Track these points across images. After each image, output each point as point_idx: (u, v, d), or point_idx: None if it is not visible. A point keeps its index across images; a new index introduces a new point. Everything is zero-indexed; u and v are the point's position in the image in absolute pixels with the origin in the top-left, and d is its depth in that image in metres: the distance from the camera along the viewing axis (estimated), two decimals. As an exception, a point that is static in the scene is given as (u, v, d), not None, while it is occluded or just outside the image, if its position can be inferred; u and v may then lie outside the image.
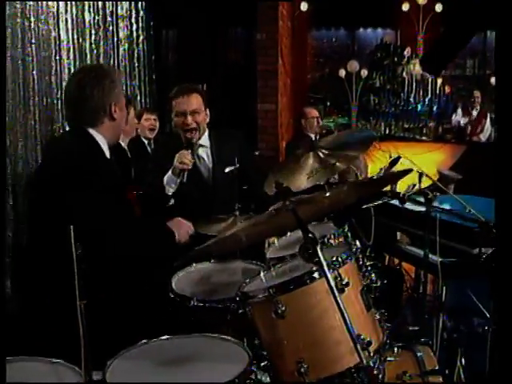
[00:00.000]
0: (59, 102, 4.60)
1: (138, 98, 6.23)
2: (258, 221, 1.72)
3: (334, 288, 1.77)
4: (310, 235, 1.59)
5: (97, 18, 5.25)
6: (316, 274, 1.86)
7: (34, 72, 4.29)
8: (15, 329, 3.18)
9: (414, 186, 6.22)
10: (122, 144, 4.42)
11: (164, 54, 7.89)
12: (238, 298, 2.05)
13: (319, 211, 1.73)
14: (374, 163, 8.19)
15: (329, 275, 1.65)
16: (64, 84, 4.69)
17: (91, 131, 2.44)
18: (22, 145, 4.17)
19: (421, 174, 5.92)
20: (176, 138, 3.41)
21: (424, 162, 7.75)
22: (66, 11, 4.74)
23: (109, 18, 5.51)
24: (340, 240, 2.47)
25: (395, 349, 2.26)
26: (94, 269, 2.21)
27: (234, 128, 3.72)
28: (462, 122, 8.55)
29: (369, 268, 2.24)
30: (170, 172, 3.13)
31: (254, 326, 2.01)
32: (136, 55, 6.09)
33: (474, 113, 8.51)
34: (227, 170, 3.25)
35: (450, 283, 3.40)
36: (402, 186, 6.88)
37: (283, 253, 2.56)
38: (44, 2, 4.42)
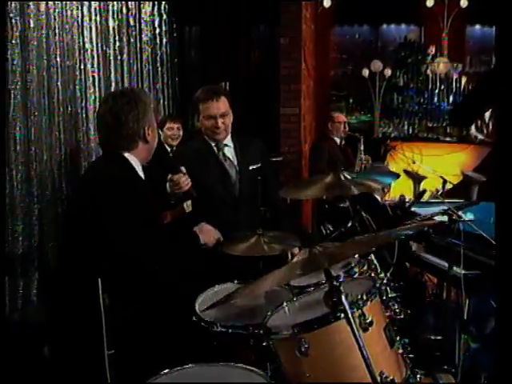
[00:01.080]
0: (83, 111, 4.63)
1: (161, 101, 6.25)
2: (285, 274, 1.70)
3: (357, 328, 1.78)
4: (335, 283, 1.59)
5: (120, 24, 5.26)
6: (340, 313, 1.87)
7: (59, 83, 4.31)
8: (40, 343, 3.25)
9: (438, 191, 6.19)
10: None
11: (187, 52, 7.87)
12: (261, 332, 2.07)
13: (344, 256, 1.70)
14: (397, 164, 8.17)
15: (352, 321, 1.64)
16: (88, 92, 4.74)
17: (126, 155, 2.51)
18: (48, 155, 4.21)
19: (445, 180, 5.90)
20: (197, 137, 3.57)
21: (448, 163, 7.72)
22: (90, 19, 4.76)
23: (132, 23, 5.52)
24: (364, 268, 2.48)
25: (417, 376, 2.26)
26: (119, 292, 2.27)
27: (256, 130, 3.89)
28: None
29: (392, 298, 2.26)
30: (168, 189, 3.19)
31: (277, 358, 2.03)
32: (159, 59, 6.10)
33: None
34: (251, 167, 3.49)
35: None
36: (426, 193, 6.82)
37: (307, 281, 2.56)
38: (69, 12, 4.44)
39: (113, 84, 5.13)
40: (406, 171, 8.17)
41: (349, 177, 2.65)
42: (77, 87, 4.58)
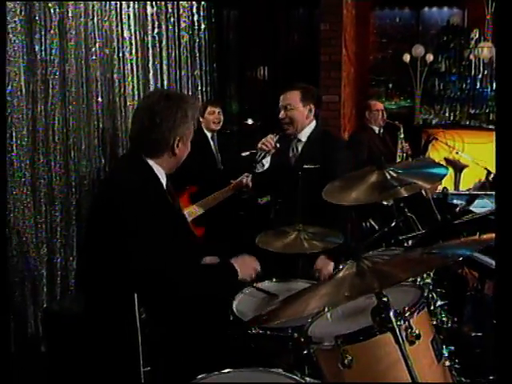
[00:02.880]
0: (122, 98, 4.61)
1: (199, 87, 6.17)
2: (331, 296, 1.60)
3: (404, 342, 1.70)
4: (384, 299, 1.51)
5: (158, 10, 5.20)
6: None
7: (98, 71, 4.28)
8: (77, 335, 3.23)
9: (481, 182, 6.01)
10: None
11: (225, 37, 7.78)
12: (301, 339, 2.00)
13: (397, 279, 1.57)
14: (438, 152, 7.99)
15: (400, 336, 1.56)
16: (126, 81, 4.70)
17: (149, 162, 2.38)
18: (86, 144, 4.19)
19: (489, 172, 5.71)
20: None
21: (491, 151, 7.50)
22: (129, 7, 4.71)
23: (170, 10, 5.44)
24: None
25: (463, 385, 2.18)
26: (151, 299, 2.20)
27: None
28: None
29: (439, 307, 2.17)
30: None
31: (318, 368, 1.96)
32: (197, 45, 6.02)
33: None
34: (305, 166, 3.43)
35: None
36: (467, 183, 6.66)
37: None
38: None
39: (151, 71, 5.08)
40: (446, 159, 8.00)
41: (395, 174, 2.54)
42: (115, 75, 4.55)
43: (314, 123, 3.65)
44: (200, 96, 6.17)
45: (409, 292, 1.98)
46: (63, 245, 3.97)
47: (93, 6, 4.20)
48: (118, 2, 4.54)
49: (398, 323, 1.72)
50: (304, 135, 3.60)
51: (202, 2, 6.07)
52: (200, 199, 4.18)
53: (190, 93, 5.90)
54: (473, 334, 3.67)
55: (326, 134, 3.76)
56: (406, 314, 1.78)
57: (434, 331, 1.92)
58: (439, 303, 2.19)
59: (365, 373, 1.79)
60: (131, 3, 4.72)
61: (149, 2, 5.02)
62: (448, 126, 8.31)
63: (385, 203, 3.09)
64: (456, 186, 7.86)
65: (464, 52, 8.95)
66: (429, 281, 2.21)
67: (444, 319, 2.11)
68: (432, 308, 2.08)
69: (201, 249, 2.74)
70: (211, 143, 5.12)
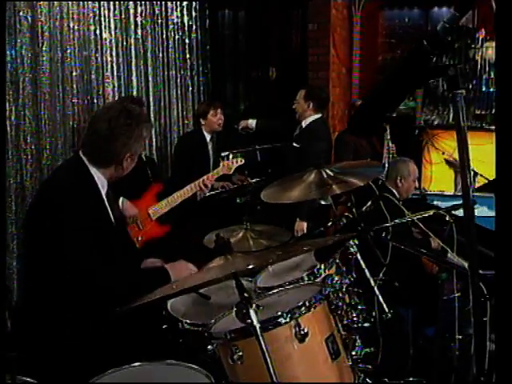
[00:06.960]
0: (100, 99, 4.66)
1: (190, 89, 6.14)
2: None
3: (293, 339, 1.72)
4: (246, 295, 1.53)
5: (143, 11, 5.20)
6: (281, 319, 1.81)
7: (74, 73, 4.35)
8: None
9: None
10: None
11: (220, 37, 7.72)
12: (206, 335, 2.02)
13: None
14: (438, 153, 7.92)
15: (261, 339, 1.59)
16: (106, 81, 4.75)
17: (92, 168, 2.43)
18: (62, 144, 4.26)
19: (475, 173, 5.64)
20: None
21: (489, 152, 7.39)
22: (109, 9, 4.75)
23: (157, 11, 5.45)
24: (331, 270, 2.39)
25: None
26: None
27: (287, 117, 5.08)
28: None
29: (351, 305, 2.17)
30: None
31: (220, 365, 1.98)
32: (188, 46, 5.98)
33: None
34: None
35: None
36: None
37: (273, 282, 2.48)
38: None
39: (134, 72, 5.11)
40: (446, 161, 7.93)
41: (331, 173, 2.63)
42: (93, 76, 4.59)
43: (315, 116, 4.79)
44: (190, 96, 6.15)
45: (308, 291, 2.00)
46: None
47: (68, 8, 4.26)
48: (97, 3, 4.58)
49: (284, 321, 1.75)
50: (304, 123, 4.79)
51: (193, 3, 6.03)
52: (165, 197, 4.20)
53: (180, 94, 5.90)
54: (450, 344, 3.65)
55: (316, 127, 4.77)
56: (295, 312, 1.80)
57: (332, 329, 1.93)
58: (355, 301, 2.19)
59: (255, 368, 1.81)
60: (111, 4, 4.76)
61: (131, 3, 5.03)
62: (449, 126, 8.24)
63: (323, 202, 3.09)
64: (456, 187, 7.78)
65: (469, 52, 8.86)
66: (347, 280, 2.21)
67: (355, 318, 2.10)
68: (341, 304, 2.07)
69: (139, 253, 2.78)
70: (209, 146, 5.07)
